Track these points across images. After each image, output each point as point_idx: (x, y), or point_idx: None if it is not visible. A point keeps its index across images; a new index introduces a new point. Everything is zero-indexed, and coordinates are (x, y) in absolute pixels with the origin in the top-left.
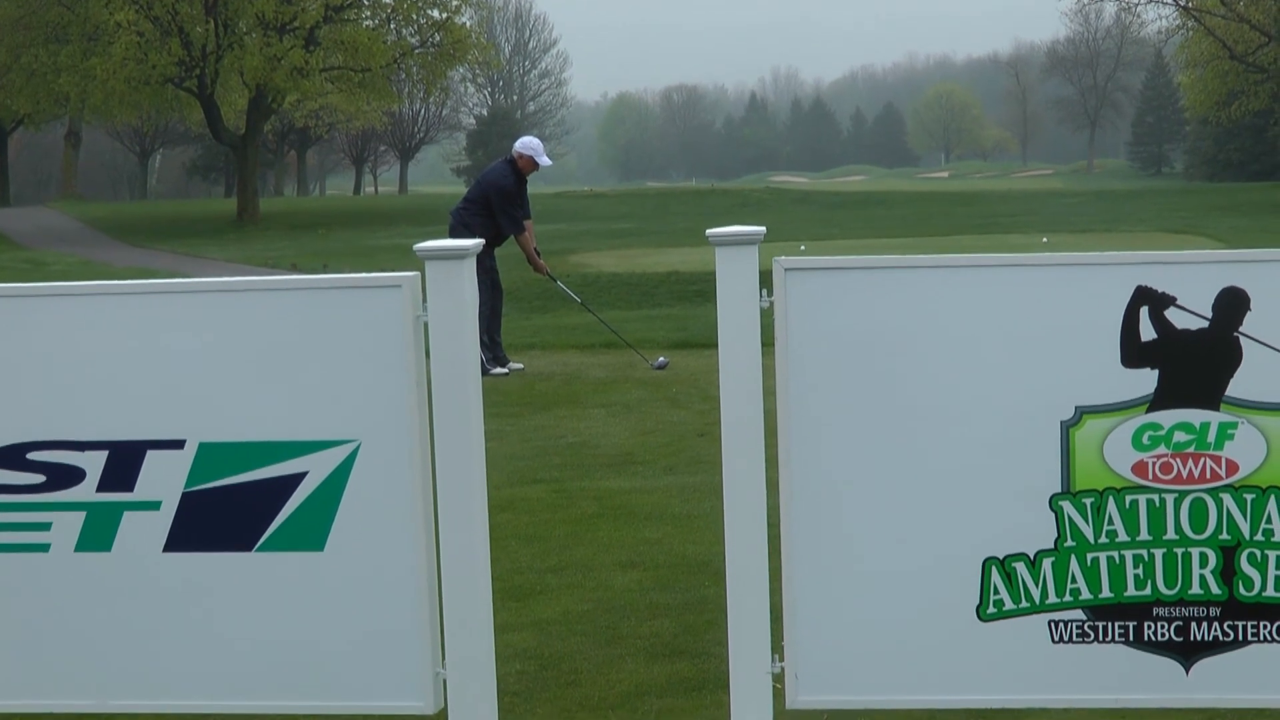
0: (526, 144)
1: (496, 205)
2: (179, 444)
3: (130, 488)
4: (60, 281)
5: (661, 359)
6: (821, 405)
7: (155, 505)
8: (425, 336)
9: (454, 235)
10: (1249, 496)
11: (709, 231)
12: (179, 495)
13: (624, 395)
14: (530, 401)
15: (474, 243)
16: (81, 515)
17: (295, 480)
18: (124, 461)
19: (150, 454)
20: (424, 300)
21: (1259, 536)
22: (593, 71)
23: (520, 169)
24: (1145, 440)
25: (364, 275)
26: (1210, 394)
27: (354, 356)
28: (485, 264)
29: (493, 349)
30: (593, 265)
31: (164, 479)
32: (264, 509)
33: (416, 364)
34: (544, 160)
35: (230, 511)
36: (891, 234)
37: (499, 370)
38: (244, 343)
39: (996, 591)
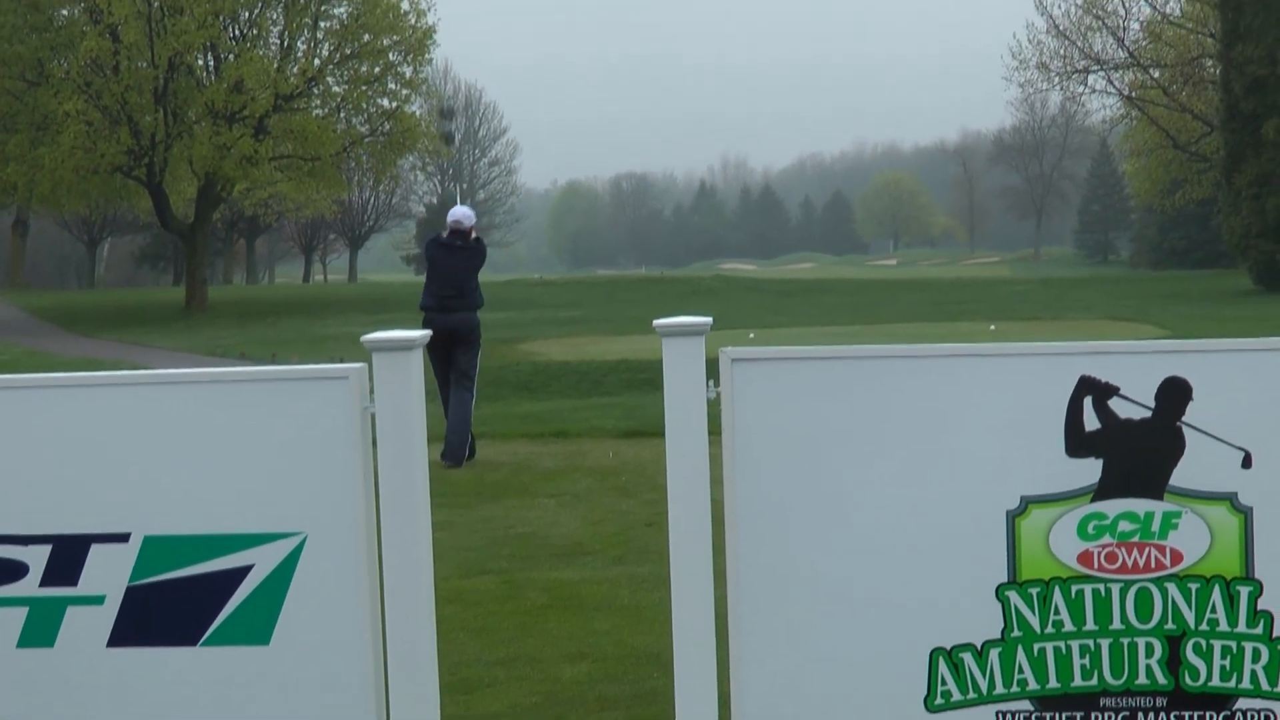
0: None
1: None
2: (124, 537)
3: (74, 582)
4: (4, 374)
5: None
6: (769, 495)
7: (99, 600)
8: (372, 427)
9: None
10: (1193, 586)
11: (656, 322)
12: (123, 590)
13: (573, 484)
14: (479, 491)
15: (421, 334)
16: (24, 611)
17: (241, 573)
18: (67, 556)
19: (95, 548)
20: (371, 391)
21: (1204, 626)
22: (542, 159)
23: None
24: (1090, 530)
25: (310, 367)
26: (1154, 483)
27: (301, 448)
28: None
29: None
30: (542, 353)
31: (108, 573)
32: (210, 603)
33: (364, 455)
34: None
35: (175, 606)
36: (840, 321)
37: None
38: (190, 435)
39: (944, 682)
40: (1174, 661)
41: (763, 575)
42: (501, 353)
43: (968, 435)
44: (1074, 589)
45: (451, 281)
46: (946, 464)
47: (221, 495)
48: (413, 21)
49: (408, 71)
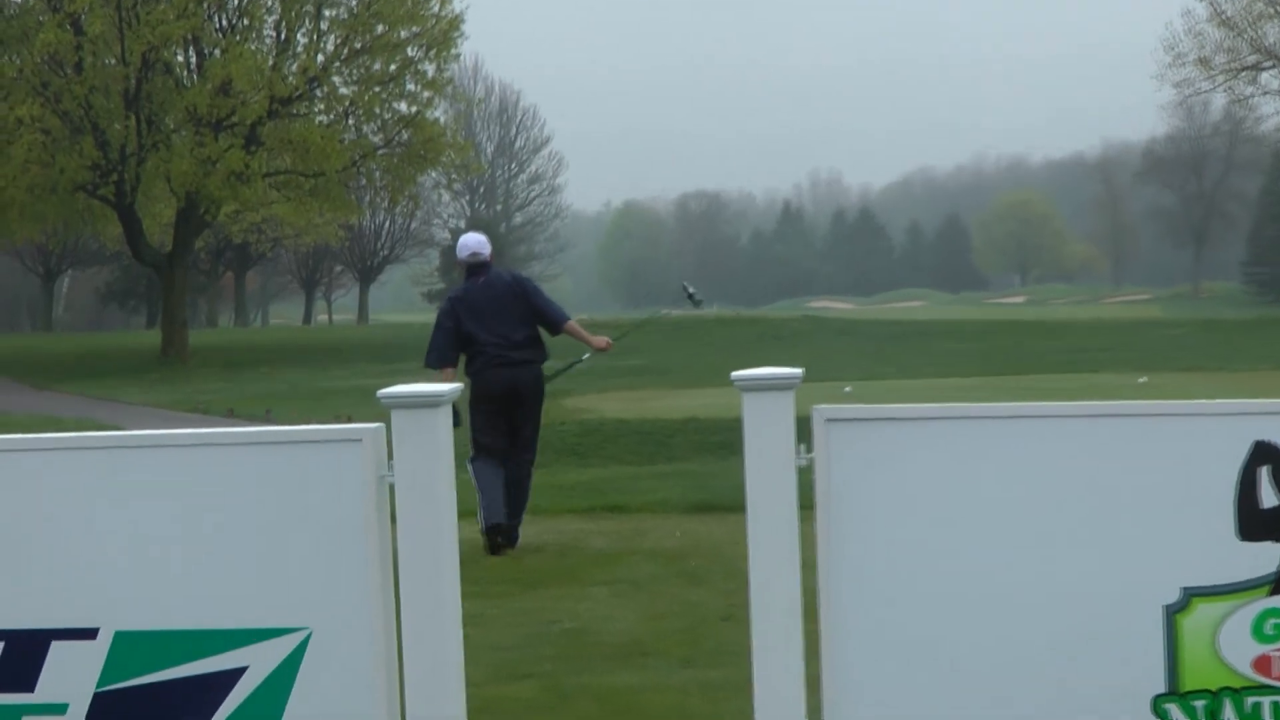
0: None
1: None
2: (91, 633)
3: (30, 687)
4: None
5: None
6: (874, 583)
7: (61, 709)
8: (391, 500)
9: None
10: None
11: (735, 374)
12: (90, 696)
13: (631, 570)
14: (518, 578)
15: (450, 388)
16: None
17: (232, 677)
18: (23, 655)
19: (55, 645)
20: (389, 457)
21: None
22: (592, 176)
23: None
24: (1269, 629)
25: (315, 428)
26: None
27: (304, 526)
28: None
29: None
30: (594, 410)
31: (72, 676)
32: (194, 712)
33: (379, 534)
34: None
35: (153, 717)
36: (956, 372)
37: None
38: (170, 510)
39: None
40: None
41: (868, 682)
42: (545, 410)
43: (1115, 513)
44: (1249, 701)
45: (499, 328)
46: (1089, 548)
47: (209, 583)
48: (436, 10)
49: (429, 70)
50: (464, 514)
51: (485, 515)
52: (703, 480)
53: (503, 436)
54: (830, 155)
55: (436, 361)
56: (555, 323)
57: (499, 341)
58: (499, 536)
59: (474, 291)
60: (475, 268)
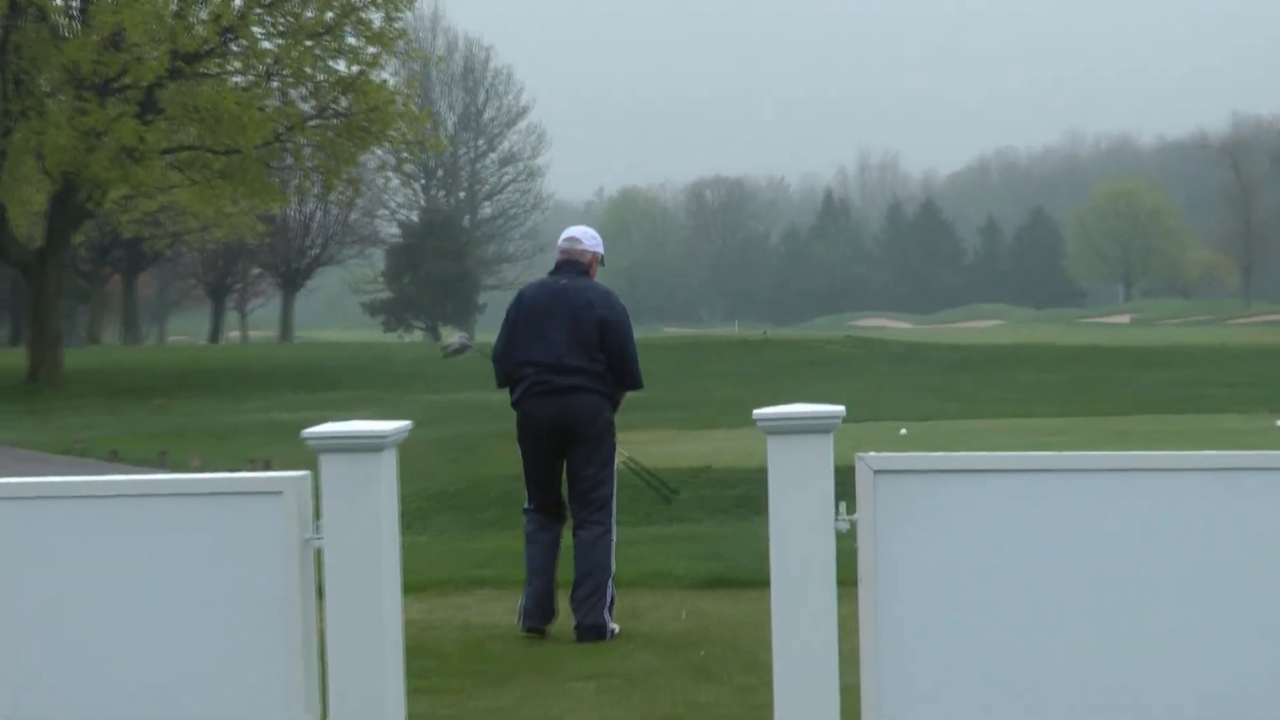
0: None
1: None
2: None
3: None
4: None
5: (459, 339)
6: (933, 675)
7: None
8: (318, 568)
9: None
10: None
11: (758, 413)
12: None
13: (624, 660)
14: (479, 669)
15: (395, 426)
16: None
17: None
18: None
19: None
20: (316, 515)
21: None
22: (582, 157)
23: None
24: None
25: (223, 476)
26: None
27: (205, 602)
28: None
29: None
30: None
31: None
32: None
33: (303, 612)
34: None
35: None
36: (1041, 410)
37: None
38: (30, 573)
39: None
40: None
41: None
42: (517, 457)
43: (1246, 587)
44: None
45: (554, 347)
46: (1208, 627)
47: (79, 671)
48: None
49: (375, 19)
50: (414, 587)
51: (523, 603)
52: (716, 546)
53: (550, 487)
54: (885, 131)
55: (504, 379)
56: (620, 384)
57: (547, 362)
58: (533, 624)
59: (544, 290)
60: (565, 264)
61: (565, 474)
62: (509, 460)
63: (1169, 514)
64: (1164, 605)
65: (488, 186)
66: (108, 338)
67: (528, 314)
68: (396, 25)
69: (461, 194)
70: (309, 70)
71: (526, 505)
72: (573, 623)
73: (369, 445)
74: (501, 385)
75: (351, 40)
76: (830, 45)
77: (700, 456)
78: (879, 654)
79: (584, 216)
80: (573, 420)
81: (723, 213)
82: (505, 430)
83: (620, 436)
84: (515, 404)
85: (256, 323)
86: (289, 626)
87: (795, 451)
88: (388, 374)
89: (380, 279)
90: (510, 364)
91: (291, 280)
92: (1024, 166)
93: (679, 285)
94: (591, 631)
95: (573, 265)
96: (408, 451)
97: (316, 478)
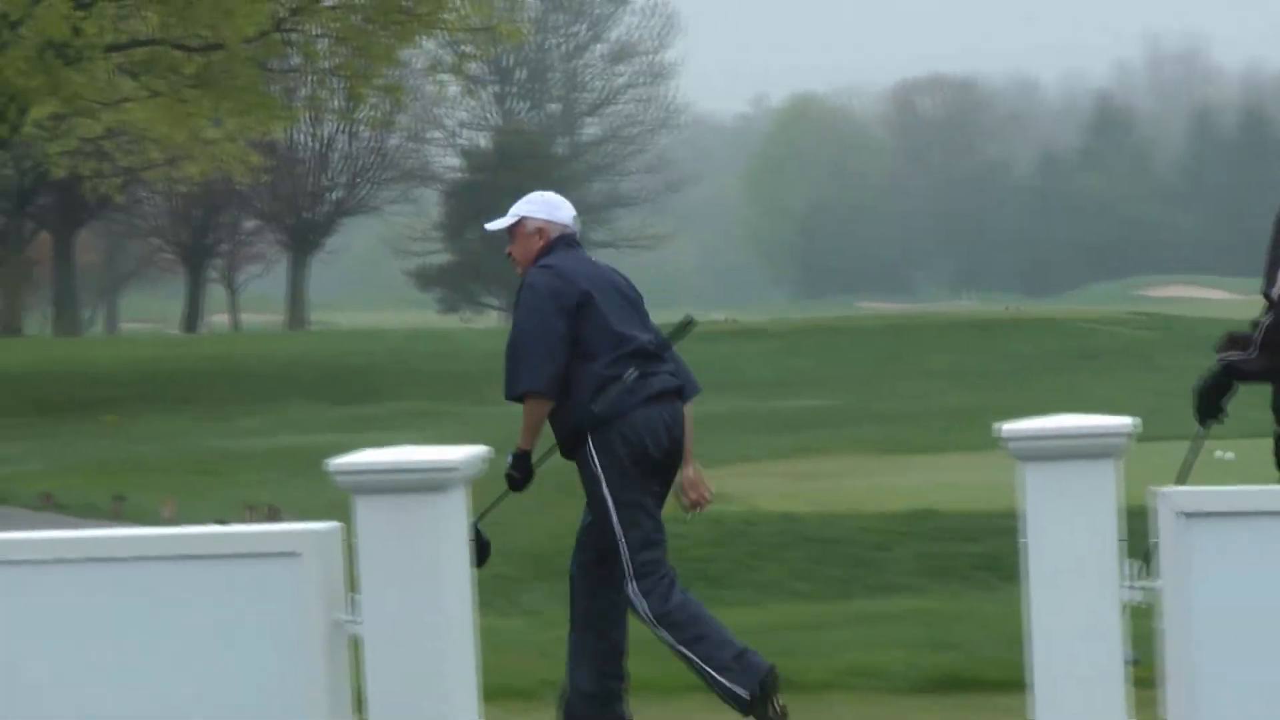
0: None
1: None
2: None
3: None
4: None
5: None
6: None
7: None
8: (354, 663)
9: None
10: None
11: (1004, 427)
12: None
13: None
14: None
15: (466, 454)
16: None
17: None
18: None
19: None
20: (350, 586)
21: None
22: (731, 49)
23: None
24: None
25: (214, 531)
26: None
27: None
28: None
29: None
30: (735, 497)
31: None
32: None
33: None
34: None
35: None
36: None
37: None
38: None
39: None
40: None
41: None
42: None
43: None
44: None
45: (636, 334)
46: None
47: None
48: None
49: None
50: (499, 693)
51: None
52: (945, 629)
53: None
54: (1187, 7)
55: (548, 385)
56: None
57: (651, 349)
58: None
59: (595, 268)
60: (572, 240)
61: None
62: None
63: None
64: None
65: (593, 95)
66: (31, 325)
67: (604, 293)
68: None
69: (554, 106)
70: None
71: (642, 558)
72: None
73: (427, 482)
74: (536, 390)
75: None
76: None
77: (917, 495)
78: None
79: (737, 138)
80: (681, 438)
81: (944, 130)
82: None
83: (793, 465)
84: (616, 411)
85: (253, 301)
86: None
87: (1062, 486)
88: (448, 376)
89: (435, 233)
90: (612, 352)
91: (302, 238)
92: None
93: (880, 238)
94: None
95: (574, 242)
96: (483, 492)
97: (349, 531)
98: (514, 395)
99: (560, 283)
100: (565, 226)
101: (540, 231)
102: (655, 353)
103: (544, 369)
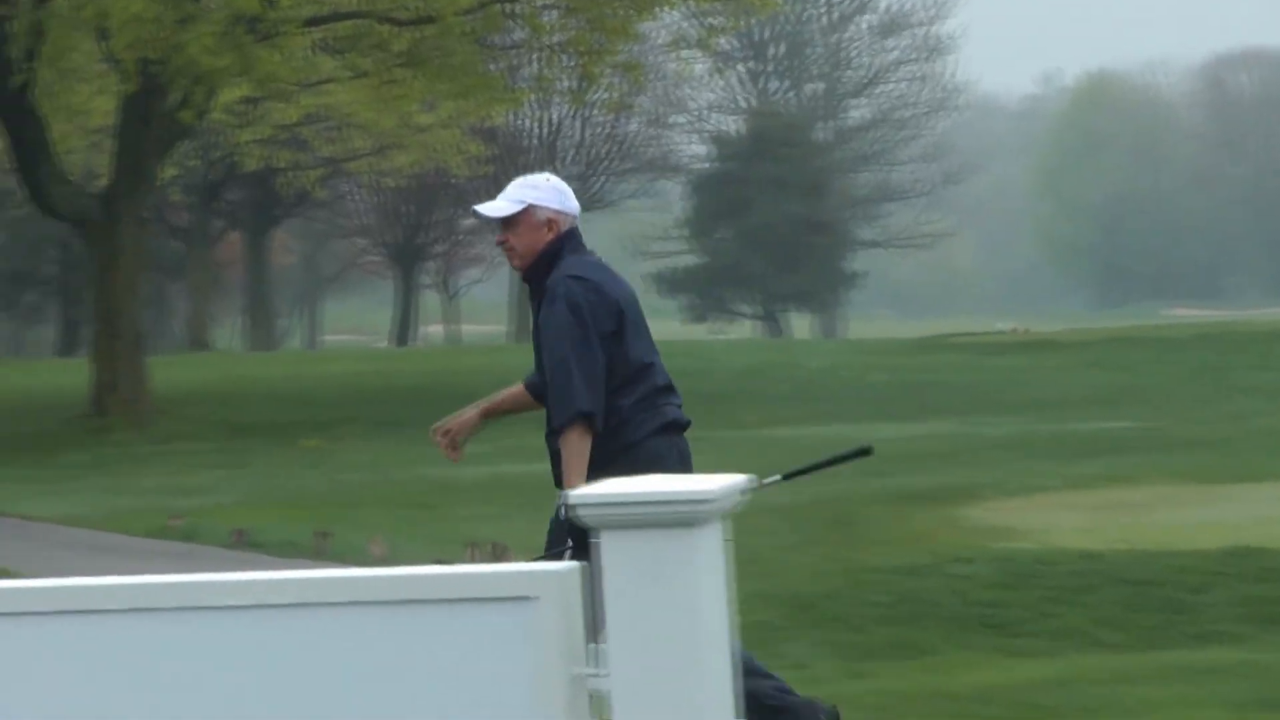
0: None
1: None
2: None
3: None
4: None
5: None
6: None
7: None
8: None
9: None
10: None
11: None
12: None
13: None
14: None
15: (723, 484)
16: None
17: None
18: None
19: None
20: (593, 634)
21: None
22: (1017, 22)
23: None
24: None
25: (435, 571)
26: None
27: None
28: None
29: None
30: (1023, 532)
31: None
32: None
33: None
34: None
35: None
36: None
37: None
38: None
39: None
40: None
41: None
42: (917, 523)
43: None
44: None
45: (656, 361)
46: None
47: None
48: None
49: None
50: None
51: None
52: (1274, 684)
53: None
54: None
55: (595, 403)
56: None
57: (669, 382)
58: None
59: (620, 282)
60: (579, 234)
61: None
62: (903, 539)
63: None
64: None
65: (859, 72)
66: (221, 338)
67: (631, 308)
68: None
69: (814, 86)
70: None
71: None
72: None
73: (679, 516)
74: (585, 411)
75: None
76: None
77: (1234, 530)
78: None
79: (1021, 123)
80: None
81: (1262, 112)
82: (898, 488)
83: (1091, 496)
84: (639, 441)
85: (473, 310)
86: None
87: None
88: (696, 396)
89: (679, 232)
90: (635, 384)
91: None
92: None
93: (1189, 236)
94: None
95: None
96: (744, 527)
97: (593, 572)
98: (567, 420)
99: (597, 298)
100: (575, 218)
101: (551, 223)
102: (669, 385)
103: (599, 393)
